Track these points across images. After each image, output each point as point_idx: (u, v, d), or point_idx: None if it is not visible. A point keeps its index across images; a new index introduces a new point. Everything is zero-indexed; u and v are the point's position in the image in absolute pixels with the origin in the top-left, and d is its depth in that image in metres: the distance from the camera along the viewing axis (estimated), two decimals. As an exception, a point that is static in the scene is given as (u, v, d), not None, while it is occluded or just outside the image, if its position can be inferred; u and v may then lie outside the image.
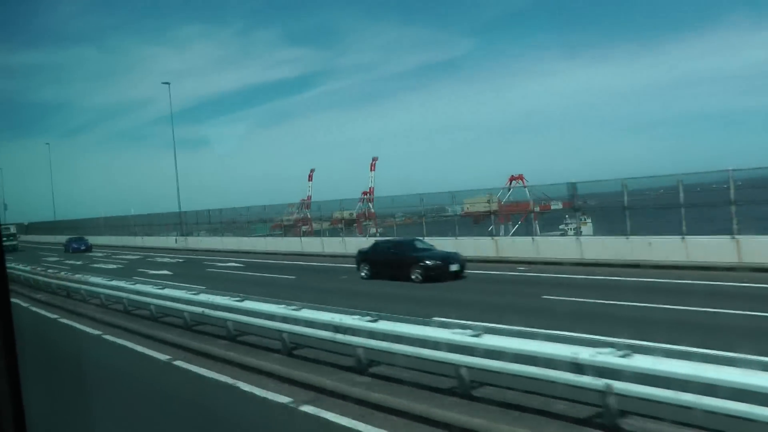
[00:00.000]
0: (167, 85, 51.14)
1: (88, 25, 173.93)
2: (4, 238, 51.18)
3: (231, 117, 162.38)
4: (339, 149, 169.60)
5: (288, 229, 42.29)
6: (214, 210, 46.06)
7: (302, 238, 36.20)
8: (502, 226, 31.00)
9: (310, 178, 62.09)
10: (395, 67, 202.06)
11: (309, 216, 43.00)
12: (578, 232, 26.36)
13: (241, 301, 12.14)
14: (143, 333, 14.44)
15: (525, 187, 34.38)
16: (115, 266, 36.83)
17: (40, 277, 24.55)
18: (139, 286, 16.20)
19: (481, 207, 30.28)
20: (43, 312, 20.06)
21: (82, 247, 53.63)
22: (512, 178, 39.77)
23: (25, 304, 22.53)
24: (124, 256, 44.77)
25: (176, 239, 48.80)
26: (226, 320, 12.25)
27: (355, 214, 41.33)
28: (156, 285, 15.68)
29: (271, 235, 41.63)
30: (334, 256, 32.21)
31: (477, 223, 31.71)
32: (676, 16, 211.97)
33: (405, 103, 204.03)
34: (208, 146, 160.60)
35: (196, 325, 13.86)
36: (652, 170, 24.81)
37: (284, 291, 19.21)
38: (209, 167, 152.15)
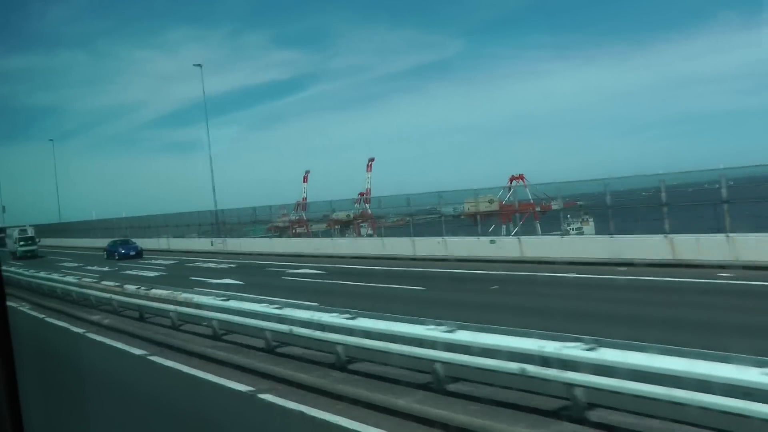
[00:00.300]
0: (199, 68, 45.29)
1: (79, 29, 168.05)
2: (21, 242, 44.49)
3: (222, 120, 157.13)
4: (332, 151, 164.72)
5: (283, 231, 41.24)
6: (261, 207, 40.41)
7: (384, 239, 30.36)
8: (503, 227, 29.66)
9: (305, 179, 59.91)
10: (387, 69, 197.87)
11: (305, 217, 41.50)
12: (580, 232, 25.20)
13: (592, 349, 6.34)
14: (330, 391, 8.60)
15: (526, 186, 33.08)
16: (154, 273, 30.83)
17: (93, 291, 18.56)
18: (302, 313, 10.29)
19: (483, 207, 28.83)
20: (115, 344, 14.15)
21: (132, 253, 42.69)
22: (513, 178, 37.91)
23: (78, 329, 16.62)
24: (156, 261, 38.63)
25: (212, 241, 42.73)
26: (573, 386, 6.42)
27: (352, 215, 39.49)
28: (342, 314, 9.67)
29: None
30: (425, 260, 26.37)
31: (477, 223, 29.94)
32: (667, 15, 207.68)
33: (398, 105, 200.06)
34: (201, 149, 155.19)
35: (451, 383, 8.01)
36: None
37: (495, 313, 13.34)
38: (202, 170, 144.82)
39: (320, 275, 25.10)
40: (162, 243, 48.20)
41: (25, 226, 53.57)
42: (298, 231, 40.93)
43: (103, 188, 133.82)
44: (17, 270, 28.75)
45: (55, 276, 22.73)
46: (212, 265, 33.32)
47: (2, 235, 70.91)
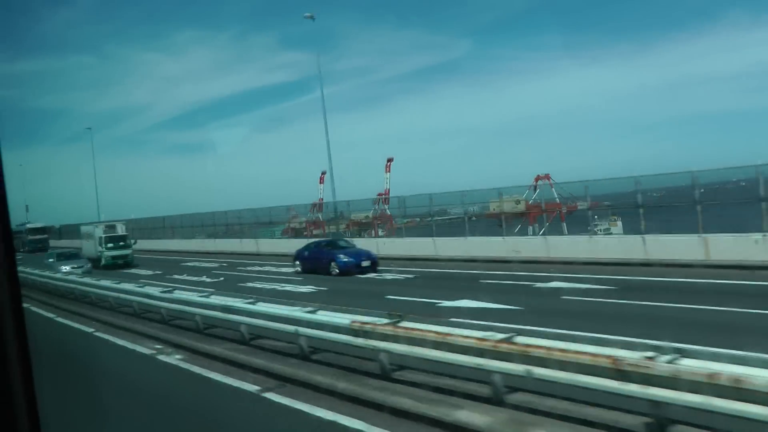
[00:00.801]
0: (311, 19, 36.67)
1: (87, 33, 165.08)
2: (109, 245, 31.22)
3: (229, 121, 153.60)
4: (342, 152, 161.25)
5: (298, 232, 40.45)
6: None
7: (645, 237, 21.37)
8: (530, 227, 29.35)
9: (321, 180, 53.72)
10: (394, 71, 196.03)
11: (321, 219, 40.77)
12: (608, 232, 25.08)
13: None
14: None
15: (552, 186, 32.05)
16: (306, 288, 21.70)
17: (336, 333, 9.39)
18: None
19: (508, 207, 28.76)
20: None
21: (364, 263, 24.64)
22: (538, 178, 35.27)
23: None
24: (266, 268, 29.39)
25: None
26: None
27: (371, 216, 38.24)
28: None
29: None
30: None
31: (504, 224, 29.44)
32: (675, 15, 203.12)
33: (405, 106, 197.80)
34: (208, 150, 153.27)
35: None
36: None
37: None
38: (210, 171, 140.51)
39: (602, 292, 16.24)
40: (247, 245, 39.38)
41: (113, 222, 39.03)
42: (314, 232, 39.26)
43: (111, 189, 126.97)
44: (128, 287, 19.16)
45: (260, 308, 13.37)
46: (373, 275, 24.07)
47: (46, 235, 62.14)
